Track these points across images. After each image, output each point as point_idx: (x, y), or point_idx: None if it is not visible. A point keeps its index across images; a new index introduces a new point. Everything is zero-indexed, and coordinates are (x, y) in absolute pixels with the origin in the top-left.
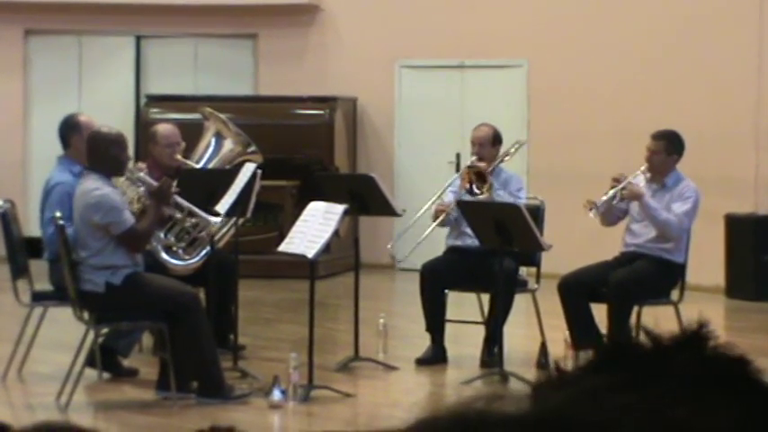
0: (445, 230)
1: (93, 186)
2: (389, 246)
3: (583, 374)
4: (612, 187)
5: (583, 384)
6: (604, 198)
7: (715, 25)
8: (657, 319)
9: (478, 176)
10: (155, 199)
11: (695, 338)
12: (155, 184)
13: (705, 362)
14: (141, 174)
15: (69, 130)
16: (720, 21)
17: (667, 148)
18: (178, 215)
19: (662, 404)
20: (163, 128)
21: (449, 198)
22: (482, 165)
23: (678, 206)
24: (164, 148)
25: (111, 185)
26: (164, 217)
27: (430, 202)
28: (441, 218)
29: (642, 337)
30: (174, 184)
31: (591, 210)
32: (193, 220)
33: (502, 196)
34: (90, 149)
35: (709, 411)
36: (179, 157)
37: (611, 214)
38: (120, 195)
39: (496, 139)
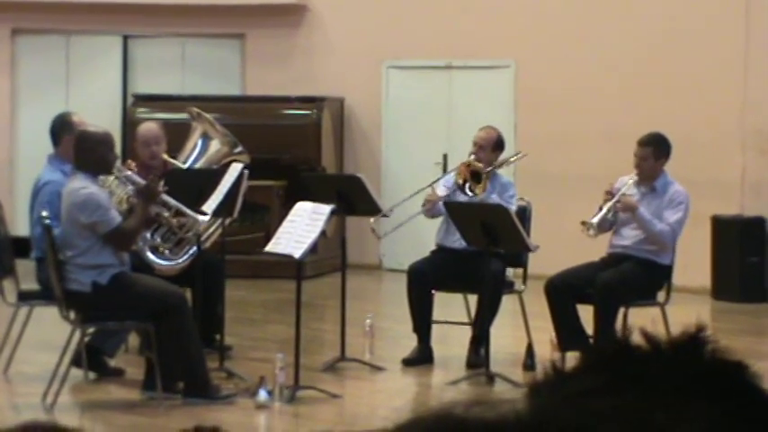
0: (433, 229)
1: (79, 185)
2: (373, 220)
3: (574, 377)
4: (605, 200)
5: (568, 388)
6: (600, 215)
7: (701, 27)
8: (654, 322)
9: (473, 175)
10: (142, 197)
11: (693, 342)
12: (142, 182)
13: (702, 366)
14: (129, 172)
15: (61, 128)
16: (707, 23)
17: (655, 153)
18: (165, 213)
19: (642, 409)
20: (142, 127)
21: (441, 191)
22: (480, 165)
23: (670, 214)
24: (141, 147)
25: (97, 185)
26: (151, 215)
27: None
28: (427, 207)
29: (637, 339)
30: (162, 183)
31: (589, 230)
32: (180, 220)
33: (494, 200)
34: (77, 149)
35: (691, 417)
36: (166, 156)
37: (604, 225)
38: (107, 194)
39: (498, 145)
